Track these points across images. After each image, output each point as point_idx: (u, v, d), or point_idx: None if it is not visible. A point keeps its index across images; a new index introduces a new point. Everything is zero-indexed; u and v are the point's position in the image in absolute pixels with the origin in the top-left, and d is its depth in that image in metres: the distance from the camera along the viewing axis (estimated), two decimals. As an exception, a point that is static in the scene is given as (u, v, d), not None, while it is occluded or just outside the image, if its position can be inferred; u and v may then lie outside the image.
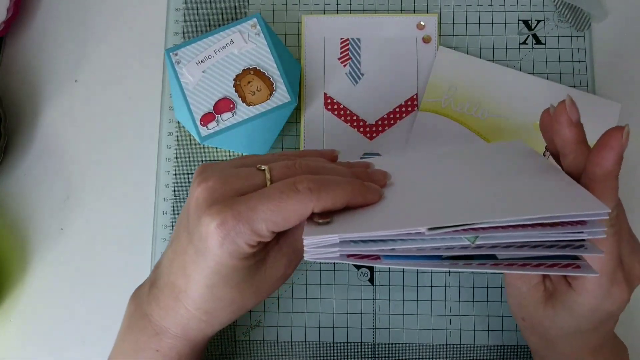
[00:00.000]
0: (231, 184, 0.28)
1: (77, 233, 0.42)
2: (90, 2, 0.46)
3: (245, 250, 0.27)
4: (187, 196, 0.42)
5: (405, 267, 0.28)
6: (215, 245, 0.27)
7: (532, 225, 0.24)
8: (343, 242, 0.26)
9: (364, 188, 0.28)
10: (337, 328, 0.40)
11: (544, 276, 0.31)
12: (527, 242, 0.24)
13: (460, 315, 0.40)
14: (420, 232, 0.24)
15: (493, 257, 0.25)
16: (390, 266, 0.25)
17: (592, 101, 0.42)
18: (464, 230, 0.24)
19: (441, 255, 0.25)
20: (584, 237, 0.24)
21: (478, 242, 0.24)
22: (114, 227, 0.42)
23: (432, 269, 0.25)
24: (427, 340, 0.40)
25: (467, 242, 0.24)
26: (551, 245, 0.25)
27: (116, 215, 0.43)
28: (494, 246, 0.24)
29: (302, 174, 0.28)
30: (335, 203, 0.27)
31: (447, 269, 0.25)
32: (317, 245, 0.26)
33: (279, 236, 0.30)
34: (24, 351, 0.41)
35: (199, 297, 0.29)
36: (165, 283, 0.30)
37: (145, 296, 0.32)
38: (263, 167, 0.29)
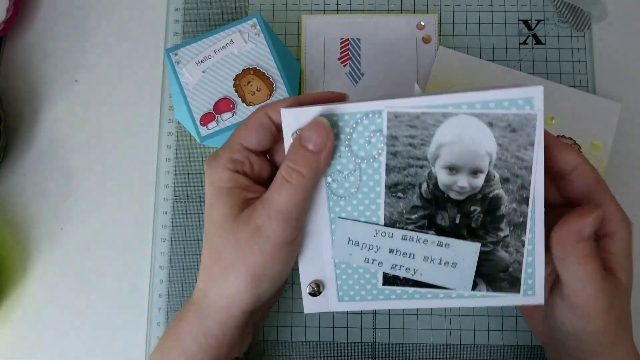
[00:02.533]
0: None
1: (77, 233, 0.43)
2: (90, 2, 0.46)
3: (221, 170, 0.29)
4: (187, 196, 0.43)
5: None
6: (205, 169, 0.30)
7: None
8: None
9: None
10: (337, 328, 0.40)
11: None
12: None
13: (460, 315, 0.40)
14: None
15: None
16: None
17: (592, 101, 0.42)
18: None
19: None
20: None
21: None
22: (114, 227, 0.42)
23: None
24: (427, 340, 0.40)
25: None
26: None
27: (116, 215, 0.43)
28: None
29: None
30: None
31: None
32: None
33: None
34: (24, 351, 0.41)
35: (205, 235, 0.30)
36: None
37: None
38: None
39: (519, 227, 0.28)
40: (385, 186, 0.28)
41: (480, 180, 0.28)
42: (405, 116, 0.27)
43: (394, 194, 0.28)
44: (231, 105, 0.40)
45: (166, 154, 0.43)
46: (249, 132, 0.29)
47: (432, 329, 0.40)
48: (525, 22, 0.45)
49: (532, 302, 0.29)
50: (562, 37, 0.44)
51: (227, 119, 0.40)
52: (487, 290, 0.29)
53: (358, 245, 0.29)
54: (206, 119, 0.40)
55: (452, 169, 0.28)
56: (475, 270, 0.28)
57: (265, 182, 0.30)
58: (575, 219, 0.27)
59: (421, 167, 0.28)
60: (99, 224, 0.43)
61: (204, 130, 0.40)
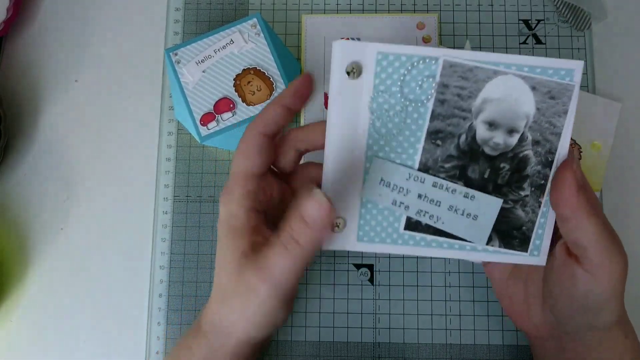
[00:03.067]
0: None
1: (77, 233, 0.43)
2: (90, 2, 0.46)
3: (236, 208, 0.29)
4: (187, 196, 0.43)
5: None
6: (220, 204, 0.30)
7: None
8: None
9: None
10: (337, 328, 0.40)
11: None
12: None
13: (460, 315, 0.40)
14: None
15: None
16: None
17: (592, 101, 0.42)
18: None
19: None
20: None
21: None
22: (114, 227, 0.42)
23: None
24: (427, 340, 0.40)
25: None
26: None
27: (116, 215, 0.43)
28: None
29: None
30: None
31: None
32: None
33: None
34: (24, 351, 0.41)
35: (215, 267, 0.31)
36: None
37: None
38: None
39: (539, 188, 0.29)
40: (427, 132, 0.29)
41: (514, 140, 0.29)
42: (459, 67, 0.28)
43: (433, 141, 0.29)
44: (231, 105, 0.40)
45: (166, 153, 0.43)
46: (252, 159, 0.30)
47: (432, 329, 0.40)
48: (526, 22, 0.45)
49: (535, 262, 0.30)
50: (562, 37, 0.44)
51: (227, 119, 0.40)
52: (500, 246, 0.30)
53: (389, 186, 0.29)
54: (206, 118, 0.40)
55: (492, 125, 0.29)
56: (493, 225, 0.30)
57: (277, 201, 0.31)
58: (563, 172, 0.28)
59: (464, 118, 0.29)
60: (99, 224, 0.43)
61: (204, 130, 0.40)
